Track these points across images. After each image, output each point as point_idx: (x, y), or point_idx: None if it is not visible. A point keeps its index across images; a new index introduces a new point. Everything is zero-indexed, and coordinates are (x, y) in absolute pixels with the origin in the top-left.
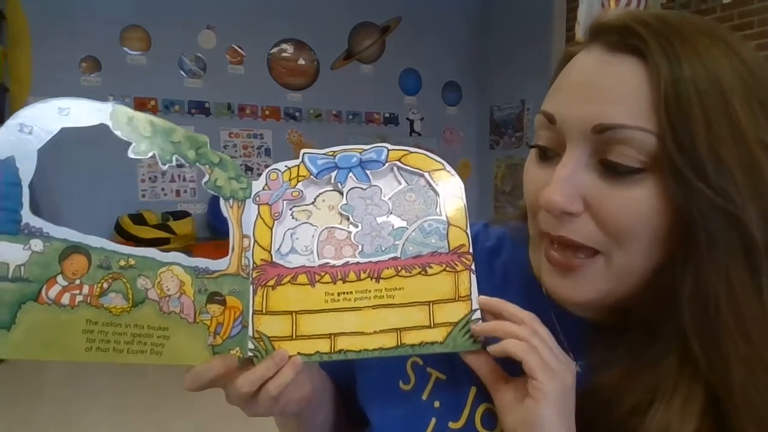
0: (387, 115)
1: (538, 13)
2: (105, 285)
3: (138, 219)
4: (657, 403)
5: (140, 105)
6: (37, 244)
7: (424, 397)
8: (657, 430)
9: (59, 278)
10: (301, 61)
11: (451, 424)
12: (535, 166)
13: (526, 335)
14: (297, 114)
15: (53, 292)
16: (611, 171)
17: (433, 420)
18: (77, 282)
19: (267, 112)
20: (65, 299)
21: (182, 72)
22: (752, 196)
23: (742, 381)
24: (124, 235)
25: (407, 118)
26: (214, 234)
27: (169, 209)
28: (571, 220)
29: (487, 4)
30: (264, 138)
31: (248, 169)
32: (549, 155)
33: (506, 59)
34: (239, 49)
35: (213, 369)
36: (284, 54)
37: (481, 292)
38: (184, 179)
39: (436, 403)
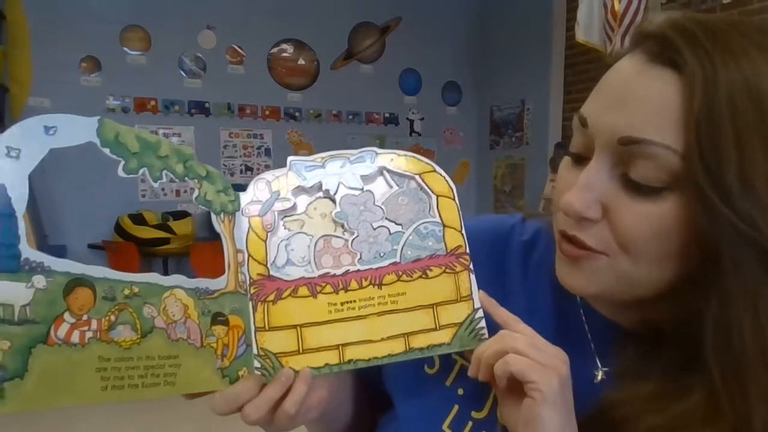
0: (387, 115)
1: (538, 14)
2: (113, 318)
3: (138, 219)
4: None
5: (140, 105)
6: (39, 281)
7: (448, 383)
8: None
9: (66, 315)
10: (301, 61)
11: (474, 414)
12: (568, 170)
13: (504, 346)
14: (297, 114)
15: (62, 331)
16: (632, 185)
17: (456, 407)
18: (85, 317)
19: (267, 112)
20: (75, 337)
21: (182, 72)
22: None
23: (764, 419)
24: (124, 235)
25: (407, 118)
26: (214, 234)
27: (169, 209)
28: (588, 225)
29: (487, 5)
30: (264, 138)
31: (248, 168)
32: (581, 159)
33: (506, 59)
34: (239, 49)
35: (249, 390)
36: (284, 54)
37: (512, 287)
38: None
39: (460, 391)
